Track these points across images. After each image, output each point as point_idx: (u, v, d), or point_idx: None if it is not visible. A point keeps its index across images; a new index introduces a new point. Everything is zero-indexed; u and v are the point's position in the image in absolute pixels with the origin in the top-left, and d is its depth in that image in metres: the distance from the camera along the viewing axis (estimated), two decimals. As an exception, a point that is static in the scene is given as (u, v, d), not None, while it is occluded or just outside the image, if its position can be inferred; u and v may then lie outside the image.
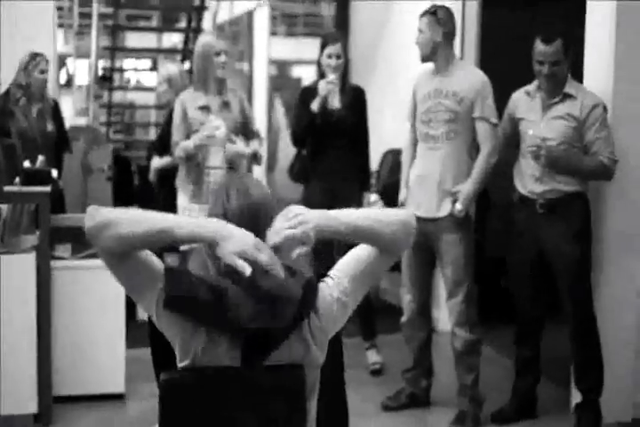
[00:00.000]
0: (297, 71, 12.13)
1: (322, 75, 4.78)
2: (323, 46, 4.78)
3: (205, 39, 4.87)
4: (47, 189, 4.19)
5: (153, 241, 2.01)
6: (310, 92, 4.83)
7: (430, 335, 4.46)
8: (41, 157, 4.48)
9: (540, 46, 3.97)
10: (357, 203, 4.78)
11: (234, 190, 2.13)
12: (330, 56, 4.74)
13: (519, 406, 4.30)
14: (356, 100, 4.87)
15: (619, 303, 4.25)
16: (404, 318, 4.41)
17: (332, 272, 2.18)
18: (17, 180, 4.21)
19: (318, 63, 4.82)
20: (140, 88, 11.82)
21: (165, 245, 2.04)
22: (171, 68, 5.56)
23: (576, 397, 4.19)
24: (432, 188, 4.19)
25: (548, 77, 4.00)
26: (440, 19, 4.16)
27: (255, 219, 2.09)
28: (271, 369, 2.05)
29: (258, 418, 2.06)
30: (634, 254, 4.25)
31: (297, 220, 2.05)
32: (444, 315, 4.25)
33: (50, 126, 5.04)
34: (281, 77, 11.30)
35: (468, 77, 4.17)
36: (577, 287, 4.04)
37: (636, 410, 4.30)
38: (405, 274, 4.34)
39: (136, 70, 12.63)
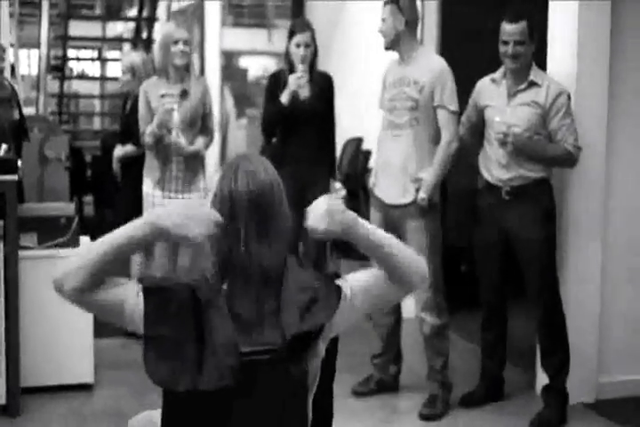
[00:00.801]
0: (244, 62, 12.11)
1: (290, 64, 4.77)
2: (291, 35, 4.76)
3: (165, 28, 4.91)
4: (14, 177, 4.14)
5: (109, 262, 1.99)
6: (277, 80, 4.83)
7: (399, 321, 4.51)
8: (4, 146, 4.42)
9: (505, 26, 4.04)
10: (325, 190, 4.80)
11: (242, 172, 2.10)
12: (298, 45, 4.72)
13: (487, 389, 4.38)
14: (324, 87, 4.87)
15: (583, 287, 4.35)
16: None
17: (345, 276, 2.18)
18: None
19: (286, 52, 4.80)
20: (96, 77, 11.73)
21: (123, 258, 2.04)
22: (134, 57, 5.55)
23: (542, 379, 4.28)
24: (396, 174, 4.24)
25: (513, 58, 4.04)
26: (402, 7, 4.19)
27: (261, 201, 2.08)
28: (276, 360, 2.03)
29: (260, 407, 2.05)
30: (595, 238, 4.36)
31: (341, 217, 2.06)
32: (411, 301, 4.30)
33: (16, 114, 4.98)
34: (229, 68, 11.27)
35: (429, 65, 4.20)
36: (542, 272, 4.12)
37: (600, 391, 4.42)
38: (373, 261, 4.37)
39: (93, 60, 12.52)
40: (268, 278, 2.06)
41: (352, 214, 2.09)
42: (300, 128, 4.79)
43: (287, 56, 4.81)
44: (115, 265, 2.02)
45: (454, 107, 4.19)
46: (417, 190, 4.17)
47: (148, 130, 4.72)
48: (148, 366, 1.97)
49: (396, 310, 4.47)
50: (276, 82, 4.83)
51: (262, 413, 2.06)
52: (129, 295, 2.03)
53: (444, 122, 4.19)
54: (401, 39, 4.21)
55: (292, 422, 2.09)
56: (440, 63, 4.23)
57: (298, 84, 4.65)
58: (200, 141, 4.88)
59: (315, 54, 4.80)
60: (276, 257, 2.09)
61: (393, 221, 4.23)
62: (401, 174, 4.22)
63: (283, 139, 4.88)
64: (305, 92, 4.74)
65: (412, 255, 2.15)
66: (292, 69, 4.75)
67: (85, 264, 1.97)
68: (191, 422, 2.04)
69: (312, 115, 4.80)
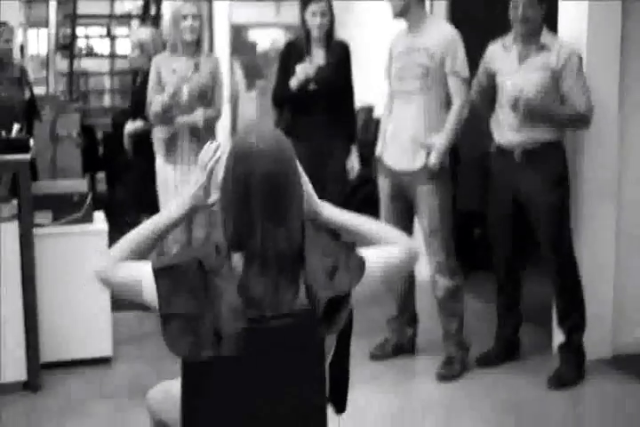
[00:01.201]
0: (253, 35, 12.05)
1: (307, 33, 4.72)
2: (305, 3, 4.69)
3: (176, 3, 4.88)
4: (27, 157, 4.16)
5: (150, 246, 2.20)
6: (292, 49, 4.80)
7: (413, 283, 4.54)
8: (17, 126, 4.44)
9: None
10: (343, 162, 4.82)
11: (256, 151, 2.02)
12: (314, 14, 4.65)
13: (503, 349, 4.41)
14: (342, 57, 4.80)
15: (597, 245, 4.37)
16: None
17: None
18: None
19: (302, 20, 4.74)
20: (105, 55, 11.71)
21: (162, 240, 2.25)
22: (143, 33, 5.53)
23: (558, 338, 4.31)
24: (406, 141, 4.24)
25: (522, 22, 4.03)
26: None
27: (276, 182, 2.03)
28: (292, 328, 2.03)
29: (279, 372, 2.07)
30: (609, 199, 4.36)
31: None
32: (424, 265, 4.30)
33: (27, 94, 5.00)
34: (237, 41, 11.22)
35: (439, 33, 4.20)
36: (557, 233, 4.12)
37: (616, 347, 4.45)
38: None
39: (101, 37, 12.48)
40: (284, 262, 2.04)
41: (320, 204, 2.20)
42: (314, 102, 4.73)
43: (303, 25, 4.74)
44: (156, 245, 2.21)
45: (465, 73, 4.20)
46: (427, 155, 4.17)
47: (157, 97, 4.70)
48: (168, 342, 2.00)
49: (410, 273, 4.48)
50: (290, 52, 4.80)
51: (281, 377, 2.07)
52: (145, 276, 2.06)
53: (456, 88, 4.19)
54: (410, 7, 4.19)
55: (310, 387, 2.10)
56: (450, 31, 4.23)
57: (306, 73, 4.61)
58: (199, 112, 4.80)
59: (332, 23, 4.72)
60: (292, 237, 2.05)
61: (402, 186, 4.25)
62: (411, 141, 4.22)
63: (296, 112, 4.83)
64: (320, 60, 4.70)
65: (389, 235, 2.19)
66: (308, 38, 4.72)
67: (125, 247, 2.15)
68: (210, 390, 2.05)
69: (327, 89, 4.71)
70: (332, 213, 2.21)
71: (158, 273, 2.04)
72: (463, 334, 4.33)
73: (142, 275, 2.06)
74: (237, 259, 2.05)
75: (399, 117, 4.30)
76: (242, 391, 2.05)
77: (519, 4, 4.01)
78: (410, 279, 4.50)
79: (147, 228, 2.19)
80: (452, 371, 4.24)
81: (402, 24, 4.32)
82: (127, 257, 2.14)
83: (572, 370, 4.16)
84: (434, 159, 4.15)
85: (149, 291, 2.04)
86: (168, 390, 2.49)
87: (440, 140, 4.15)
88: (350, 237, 2.18)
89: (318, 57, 4.74)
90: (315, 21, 4.66)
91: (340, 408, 2.29)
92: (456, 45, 4.18)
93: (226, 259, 2.05)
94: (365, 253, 2.12)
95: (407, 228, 4.37)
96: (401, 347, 4.53)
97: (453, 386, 4.17)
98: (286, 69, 4.73)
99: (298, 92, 4.65)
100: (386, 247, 2.17)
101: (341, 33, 5.24)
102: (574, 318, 4.18)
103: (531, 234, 4.22)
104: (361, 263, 2.08)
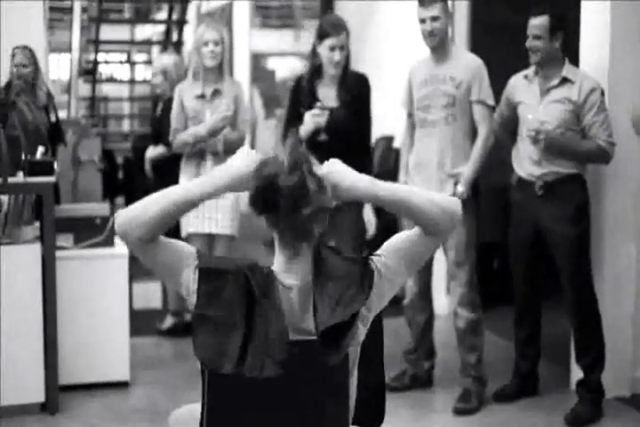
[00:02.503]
0: (272, 63, 12.14)
1: (316, 66, 4.37)
2: (322, 36, 4.27)
3: (198, 30, 4.93)
4: (52, 179, 4.20)
5: (174, 213, 2.07)
6: (300, 86, 4.45)
7: (432, 318, 4.53)
8: (41, 148, 4.48)
9: (530, 20, 4.09)
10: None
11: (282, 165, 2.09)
12: (333, 48, 4.25)
13: (521, 385, 4.38)
14: (358, 92, 4.40)
15: (618, 281, 4.34)
16: (405, 301, 4.48)
17: (378, 251, 2.20)
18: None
19: (313, 53, 4.35)
20: (125, 81, 11.83)
21: (188, 211, 2.11)
22: (166, 59, 5.60)
23: (576, 374, 4.28)
24: (431, 172, 4.25)
25: (531, 52, 4.08)
26: (447, 5, 4.22)
27: (301, 194, 2.06)
28: (314, 344, 2.06)
29: (301, 394, 2.09)
30: (630, 235, 4.35)
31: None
32: (444, 299, 4.31)
33: (53, 118, 5.05)
34: (257, 69, 11.30)
35: (464, 62, 4.23)
36: (576, 268, 4.12)
37: (635, 385, 4.40)
38: None
39: (122, 63, 12.63)
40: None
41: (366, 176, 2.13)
42: (323, 153, 4.50)
43: (313, 57, 4.37)
44: (181, 215, 2.11)
45: (491, 101, 4.22)
46: (454, 185, 4.18)
47: (192, 129, 4.71)
48: (195, 343, 2.03)
49: (429, 307, 4.49)
50: (299, 87, 4.45)
51: (303, 398, 2.09)
52: (186, 264, 2.09)
53: (482, 117, 4.20)
54: (445, 40, 4.22)
55: (333, 408, 2.12)
56: (475, 60, 4.26)
57: (315, 122, 4.27)
58: (232, 134, 4.81)
59: (348, 57, 4.36)
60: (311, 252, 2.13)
61: None
62: (437, 171, 4.23)
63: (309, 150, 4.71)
64: (331, 101, 4.36)
65: (437, 198, 2.15)
66: (319, 71, 4.38)
67: (152, 217, 2.03)
68: (232, 408, 2.07)
69: (339, 138, 4.29)
70: (367, 187, 2.12)
71: (203, 273, 2.06)
72: (482, 368, 4.31)
73: (184, 263, 2.08)
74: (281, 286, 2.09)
75: (423, 148, 4.30)
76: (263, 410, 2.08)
77: (530, 35, 4.08)
78: (429, 313, 4.49)
79: (177, 193, 2.08)
80: (469, 405, 4.21)
81: (419, 51, 4.33)
82: (156, 229, 2.05)
83: (589, 408, 4.12)
84: (461, 188, 4.15)
85: (186, 282, 2.08)
86: (191, 415, 2.50)
87: (467, 170, 4.16)
88: (394, 210, 2.17)
89: (330, 97, 4.38)
90: (332, 57, 4.27)
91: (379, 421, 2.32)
92: (482, 73, 4.20)
93: (272, 282, 2.08)
94: (390, 244, 2.18)
95: (427, 262, 4.36)
96: (418, 378, 4.51)
97: (470, 420, 4.15)
98: (295, 107, 4.42)
99: (306, 143, 4.12)
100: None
101: (357, 60, 5.12)
102: (593, 354, 4.15)
103: (551, 267, 4.22)
104: (370, 278, 2.11)
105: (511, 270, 4.40)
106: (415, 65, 4.43)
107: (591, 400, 4.13)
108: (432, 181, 4.25)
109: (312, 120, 4.28)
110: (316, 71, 4.40)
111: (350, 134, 4.37)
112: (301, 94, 4.42)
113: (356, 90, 4.40)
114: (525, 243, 4.27)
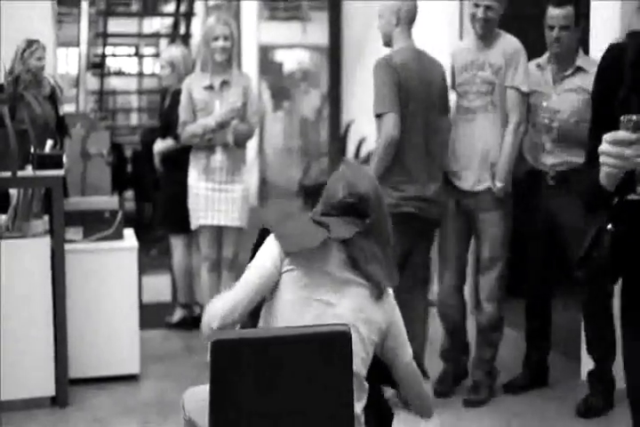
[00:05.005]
0: (279, 55, 12.13)
1: None
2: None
3: (208, 23, 4.91)
4: (61, 172, 4.20)
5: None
6: None
7: (464, 312, 4.40)
8: (50, 142, 4.48)
9: (551, 10, 4.02)
10: None
11: (343, 182, 2.50)
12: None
13: (531, 376, 4.37)
14: None
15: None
16: (440, 296, 4.37)
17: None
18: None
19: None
20: (134, 74, 11.85)
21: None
22: (174, 51, 5.57)
23: (587, 365, 4.27)
24: (472, 160, 4.14)
25: (557, 43, 4.03)
26: None
27: (356, 208, 2.48)
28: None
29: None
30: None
31: None
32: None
33: (61, 111, 5.04)
34: (264, 62, 11.29)
35: (503, 46, 4.12)
36: (587, 258, 4.09)
37: (646, 376, 4.38)
38: (445, 250, 4.31)
39: (130, 56, 12.64)
40: None
41: None
42: None
43: None
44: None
45: (525, 87, 4.09)
46: (492, 177, 4.09)
47: (201, 121, 4.70)
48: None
49: (461, 301, 4.36)
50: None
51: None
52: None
53: (514, 103, 4.07)
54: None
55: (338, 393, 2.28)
56: (514, 43, 4.13)
57: None
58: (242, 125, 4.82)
59: None
60: None
61: (467, 210, 4.18)
62: (481, 160, 4.12)
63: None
64: None
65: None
66: None
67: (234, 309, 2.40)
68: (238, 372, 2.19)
69: None
70: None
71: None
72: (494, 364, 4.29)
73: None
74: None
75: (464, 134, 4.18)
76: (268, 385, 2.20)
77: (555, 25, 4.01)
78: (462, 308, 4.36)
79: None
80: (478, 396, 4.20)
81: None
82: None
83: (600, 398, 4.10)
84: (499, 183, 4.07)
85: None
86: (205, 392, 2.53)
87: (502, 161, 4.06)
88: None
89: None
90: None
91: None
92: (519, 58, 4.07)
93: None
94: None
95: (465, 248, 4.31)
96: (460, 376, 4.40)
97: (480, 412, 4.13)
98: None
99: None
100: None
101: (368, 60, 5.13)
102: (604, 345, 4.13)
103: (563, 259, 4.19)
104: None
105: (523, 262, 4.37)
106: (457, 50, 4.33)
107: (602, 391, 4.11)
108: (473, 169, 4.13)
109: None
110: None
111: None
112: None
113: None
114: (536, 233, 4.24)
